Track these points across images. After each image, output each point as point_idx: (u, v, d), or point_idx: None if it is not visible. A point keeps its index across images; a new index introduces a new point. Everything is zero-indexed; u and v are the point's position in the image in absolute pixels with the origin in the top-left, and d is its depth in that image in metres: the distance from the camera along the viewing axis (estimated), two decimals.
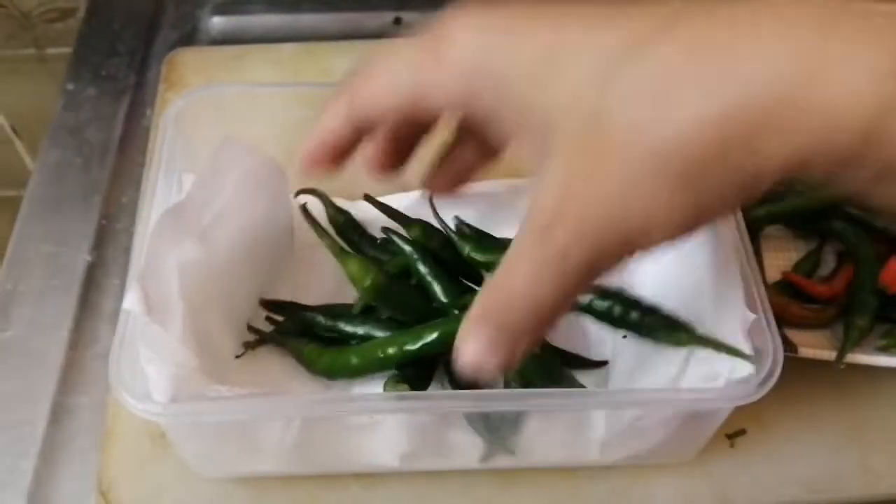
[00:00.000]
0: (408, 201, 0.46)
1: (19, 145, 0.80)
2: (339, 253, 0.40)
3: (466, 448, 0.38)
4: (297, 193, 0.45)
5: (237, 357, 0.41)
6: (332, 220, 0.45)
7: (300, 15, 0.61)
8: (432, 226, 0.43)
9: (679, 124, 0.21)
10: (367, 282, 0.39)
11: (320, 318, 0.42)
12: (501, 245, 0.42)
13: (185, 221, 0.38)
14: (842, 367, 0.41)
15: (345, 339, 0.41)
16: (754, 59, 0.20)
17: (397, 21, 0.60)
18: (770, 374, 0.33)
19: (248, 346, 0.42)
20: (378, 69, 0.28)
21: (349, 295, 0.43)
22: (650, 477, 0.40)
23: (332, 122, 0.30)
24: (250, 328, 0.42)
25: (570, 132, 0.23)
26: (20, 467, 0.41)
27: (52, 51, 0.73)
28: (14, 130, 0.79)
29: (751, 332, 0.35)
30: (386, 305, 0.40)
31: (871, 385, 0.43)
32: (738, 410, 0.35)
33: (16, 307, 0.46)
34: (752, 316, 0.34)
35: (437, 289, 0.40)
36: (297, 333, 0.42)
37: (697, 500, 0.40)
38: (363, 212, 0.46)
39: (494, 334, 0.24)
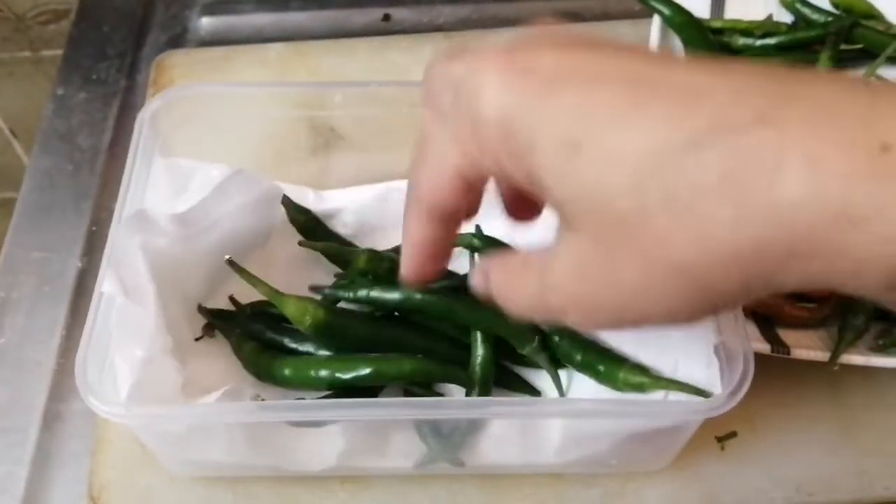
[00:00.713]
0: (369, 194, 0.46)
1: (18, 147, 0.81)
2: (275, 296, 0.39)
3: (407, 450, 0.38)
4: None
5: (196, 339, 0.42)
6: (292, 220, 0.45)
7: (289, 13, 0.60)
8: (376, 251, 0.42)
9: (707, 249, 0.21)
10: (308, 321, 0.38)
11: (262, 328, 0.41)
12: None
13: (156, 217, 0.39)
14: (836, 368, 0.40)
15: (286, 350, 0.41)
16: (794, 194, 0.19)
17: (386, 17, 0.60)
18: (738, 388, 0.33)
19: (205, 332, 0.42)
20: (426, 159, 0.27)
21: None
22: (641, 481, 0.40)
23: (416, 233, 0.28)
24: (200, 309, 0.42)
25: (598, 215, 0.22)
26: (15, 473, 0.41)
27: (47, 53, 0.73)
28: (13, 133, 0.79)
29: (723, 344, 0.35)
30: (332, 340, 0.39)
31: (866, 386, 0.43)
32: (729, 413, 0.34)
33: (8, 315, 0.46)
34: (718, 338, 0.35)
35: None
36: (243, 328, 0.42)
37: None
38: (329, 202, 0.46)
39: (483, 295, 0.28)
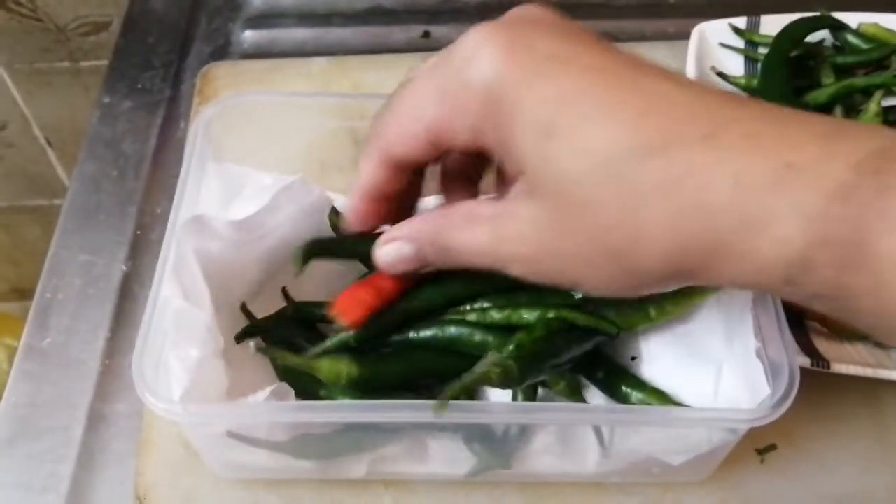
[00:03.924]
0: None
1: (52, 156, 0.82)
2: (306, 363, 0.37)
3: (450, 457, 0.38)
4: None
5: (237, 342, 0.42)
6: (333, 227, 0.45)
7: (330, 29, 0.62)
8: None
9: (641, 243, 0.24)
10: (343, 381, 0.37)
11: (297, 337, 0.41)
12: None
13: (212, 223, 0.40)
14: None
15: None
16: (718, 202, 0.23)
17: (426, 35, 0.61)
18: (785, 397, 0.33)
19: (241, 338, 0.42)
20: (402, 105, 0.29)
21: None
22: (680, 491, 0.40)
23: (368, 175, 0.31)
24: (243, 308, 0.42)
25: (558, 193, 0.25)
26: (59, 473, 0.42)
27: (85, 64, 0.75)
28: (48, 142, 0.81)
29: (769, 355, 0.35)
30: (369, 389, 0.38)
31: None
32: (768, 426, 0.34)
33: (54, 315, 0.47)
34: (757, 344, 0.35)
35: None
36: (282, 334, 0.42)
37: None
38: None
39: (412, 255, 0.31)
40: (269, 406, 0.36)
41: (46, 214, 0.86)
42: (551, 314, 0.38)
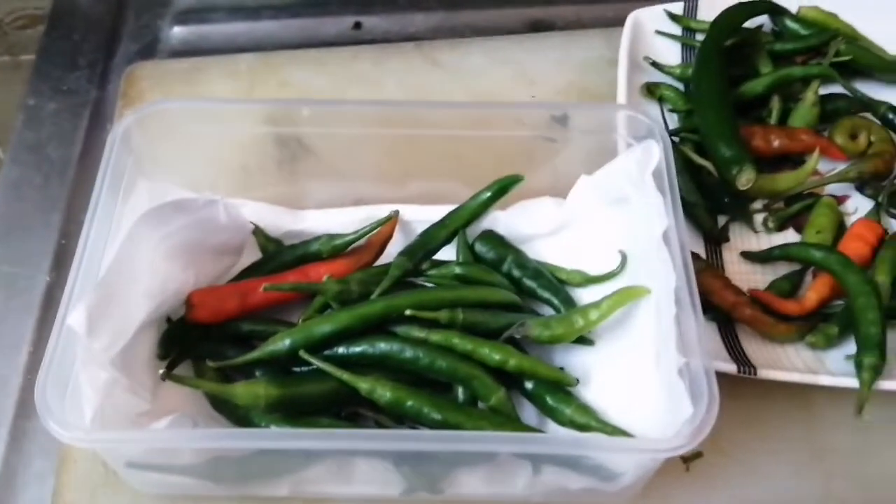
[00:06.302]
0: (349, 217, 0.46)
1: None
2: (222, 390, 0.37)
3: (372, 478, 0.38)
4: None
5: (162, 379, 0.40)
6: (262, 249, 0.45)
7: (260, 22, 0.60)
8: (342, 280, 0.41)
9: None
10: (262, 403, 0.36)
11: (227, 350, 0.41)
12: None
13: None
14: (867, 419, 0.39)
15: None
16: None
17: (357, 26, 0.59)
18: (703, 425, 0.32)
19: (166, 365, 0.41)
20: None
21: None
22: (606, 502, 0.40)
23: None
24: (170, 321, 0.41)
25: None
26: None
27: (24, 58, 0.73)
28: None
29: (690, 374, 0.34)
30: (293, 409, 0.37)
31: (834, 407, 0.42)
32: None
33: None
34: (683, 359, 0.34)
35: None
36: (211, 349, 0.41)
37: None
38: (304, 221, 0.46)
39: None
40: (176, 433, 0.36)
41: None
42: (512, 361, 0.38)
